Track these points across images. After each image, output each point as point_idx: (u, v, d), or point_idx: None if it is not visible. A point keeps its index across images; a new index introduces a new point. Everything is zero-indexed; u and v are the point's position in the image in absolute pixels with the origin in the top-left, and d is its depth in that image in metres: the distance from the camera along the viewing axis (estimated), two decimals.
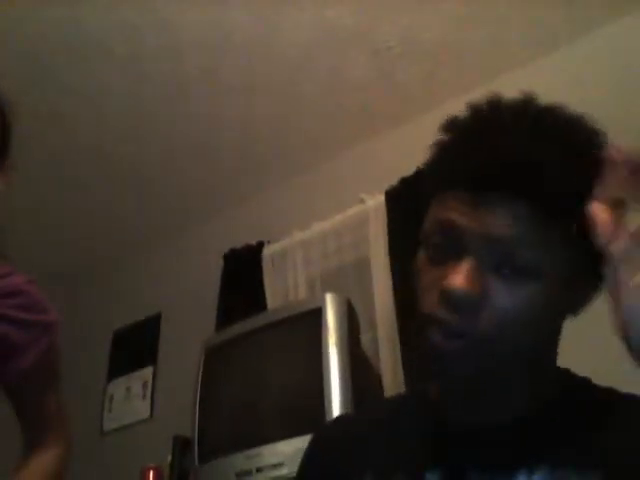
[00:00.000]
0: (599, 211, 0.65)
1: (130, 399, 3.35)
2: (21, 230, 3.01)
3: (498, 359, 0.69)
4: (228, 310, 2.91)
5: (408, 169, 2.47)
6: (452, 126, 0.75)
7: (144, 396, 3.31)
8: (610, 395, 0.76)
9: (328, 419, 1.84)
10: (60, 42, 2.44)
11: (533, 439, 0.72)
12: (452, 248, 0.69)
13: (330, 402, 1.88)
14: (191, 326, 3.10)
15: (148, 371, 3.36)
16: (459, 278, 0.67)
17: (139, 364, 3.40)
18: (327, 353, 1.96)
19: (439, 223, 0.71)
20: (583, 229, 0.66)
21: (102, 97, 2.71)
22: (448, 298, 0.67)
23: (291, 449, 1.88)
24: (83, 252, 3.57)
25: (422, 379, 0.78)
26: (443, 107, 2.66)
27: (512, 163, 0.67)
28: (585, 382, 0.78)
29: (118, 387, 3.40)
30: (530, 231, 0.67)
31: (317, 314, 2.05)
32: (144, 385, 3.34)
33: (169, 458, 2.60)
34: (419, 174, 2.44)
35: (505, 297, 0.67)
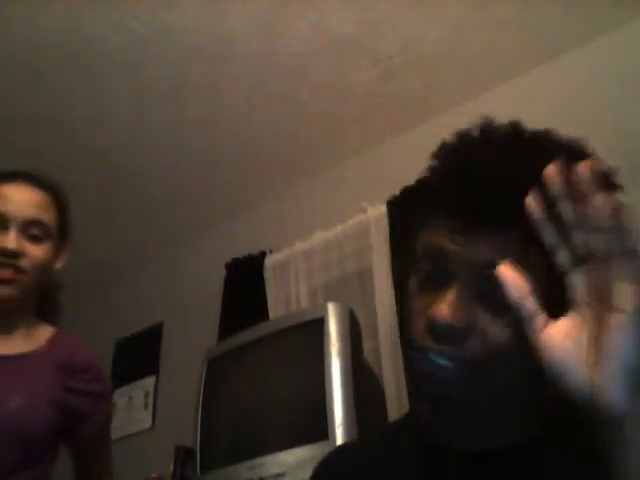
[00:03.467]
0: (506, 271, 0.65)
1: (132, 409, 3.35)
2: None
3: (488, 386, 0.69)
4: (230, 320, 2.91)
5: (409, 178, 2.47)
6: (443, 153, 0.76)
7: (146, 406, 3.30)
8: None
9: (330, 429, 1.83)
10: (62, 49, 2.45)
11: (537, 463, 0.71)
12: (440, 275, 0.70)
13: (332, 412, 1.88)
14: (193, 336, 3.09)
15: (150, 381, 3.36)
16: (444, 308, 0.67)
17: (141, 374, 3.40)
18: (329, 363, 1.96)
19: (429, 249, 0.72)
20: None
21: (103, 105, 2.72)
22: (433, 328, 0.67)
23: (293, 459, 1.88)
24: (85, 262, 3.57)
25: (415, 399, 0.76)
26: (444, 116, 2.67)
27: (500, 193, 0.67)
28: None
29: (120, 397, 3.39)
30: (515, 259, 0.66)
31: (319, 324, 2.04)
32: (146, 395, 3.33)
33: (171, 468, 2.59)
34: (420, 184, 2.44)
35: (491, 325, 0.67)
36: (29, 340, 1.42)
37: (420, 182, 0.78)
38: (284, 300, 2.87)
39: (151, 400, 3.31)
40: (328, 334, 2.00)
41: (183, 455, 2.56)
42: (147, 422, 3.25)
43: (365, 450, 0.88)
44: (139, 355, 3.46)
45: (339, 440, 1.80)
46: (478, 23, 2.37)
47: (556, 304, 0.67)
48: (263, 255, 3.01)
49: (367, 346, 2.35)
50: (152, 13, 2.33)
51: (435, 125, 2.68)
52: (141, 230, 3.47)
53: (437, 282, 0.70)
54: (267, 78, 2.61)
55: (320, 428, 1.85)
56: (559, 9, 2.30)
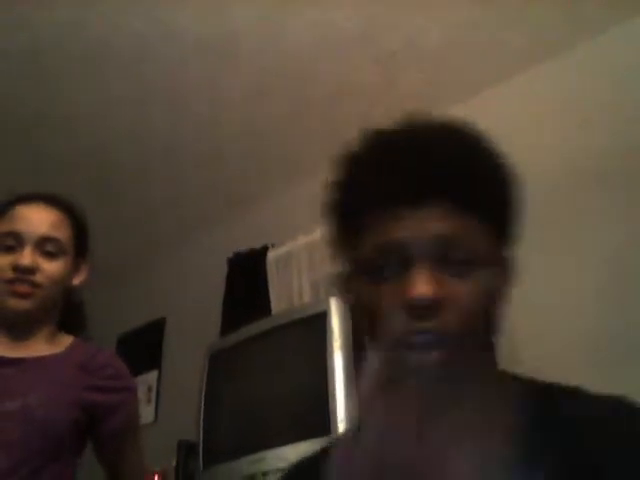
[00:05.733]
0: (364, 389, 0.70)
1: None
2: None
3: (474, 353, 0.71)
4: (232, 314, 2.91)
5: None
6: (372, 146, 0.78)
7: (149, 400, 3.31)
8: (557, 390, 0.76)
9: (333, 423, 1.84)
10: (63, 47, 2.45)
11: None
12: (398, 264, 0.71)
13: (335, 405, 1.88)
14: (195, 330, 3.10)
15: (153, 375, 3.37)
16: (417, 286, 0.68)
17: (144, 369, 3.40)
18: (332, 357, 1.96)
19: (381, 245, 0.72)
20: (503, 226, 0.75)
21: (104, 102, 2.72)
22: (415, 306, 0.68)
23: (296, 454, 1.87)
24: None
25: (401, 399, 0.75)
26: (447, 112, 2.67)
27: (438, 174, 0.71)
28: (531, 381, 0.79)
29: None
30: (464, 227, 0.71)
31: (322, 318, 2.05)
32: (149, 389, 3.34)
33: (174, 463, 2.60)
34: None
35: (463, 290, 0.70)
36: (50, 347, 1.49)
37: (343, 189, 0.79)
38: (287, 294, 2.87)
39: (154, 395, 3.31)
40: (331, 328, 2.01)
41: (186, 449, 2.56)
42: (150, 416, 3.26)
43: (315, 468, 0.87)
44: (142, 350, 3.47)
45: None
46: (481, 20, 2.37)
47: (502, 262, 0.76)
48: (265, 249, 3.01)
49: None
50: (154, 11, 2.32)
51: None
52: (143, 226, 3.47)
53: (396, 272, 0.71)
54: (269, 75, 2.61)
55: (323, 423, 1.85)
56: (562, 6, 2.29)
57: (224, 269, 3.08)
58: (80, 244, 1.59)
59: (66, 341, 1.53)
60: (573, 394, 0.75)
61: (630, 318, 2.03)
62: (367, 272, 0.74)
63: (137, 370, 3.40)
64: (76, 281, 1.58)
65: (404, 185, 0.72)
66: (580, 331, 2.11)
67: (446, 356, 0.69)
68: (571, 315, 2.14)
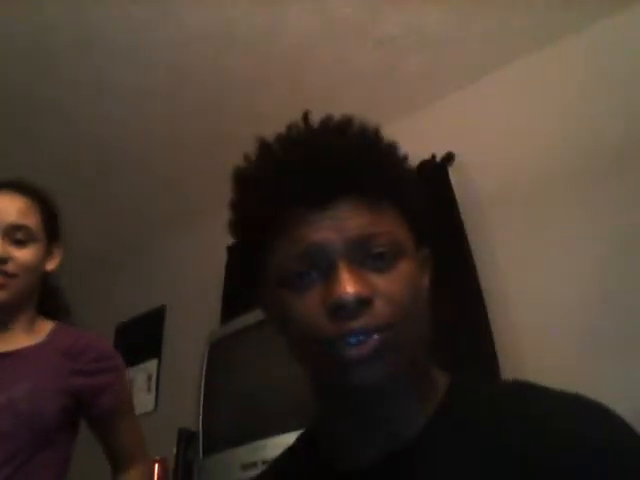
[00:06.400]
0: None
1: (135, 392, 3.35)
2: None
3: (409, 344, 0.70)
4: (232, 303, 2.90)
5: (413, 162, 2.46)
6: (263, 158, 0.77)
7: (149, 389, 3.31)
8: (490, 391, 0.75)
9: None
10: (62, 33, 2.43)
11: (434, 459, 0.70)
12: (317, 268, 0.70)
13: None
14: (195, 319, 3.09)
15: (152, 364, 3.36)
16: (344, 284, 0.67)
17: (143, 357, 3.40)
18: None
19: (299, 253, 0.70)
20: (408, 212, 0.75)
21: (103, 89, 2.70)
22: (343, 306, 0.67)
23: None
24: (85, 245, 3.56)
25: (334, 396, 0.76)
26: (448, 98, 2.65)
27: (337, 171, 0.70)
28: (466, 383, 0.78)
29: None
30: (376, 220, 0.71)
31: None
32: (149, 378, 3.34)
33: (174, 451, 2.60)
34: (423, 165, 2.43)
35: (385, 282, 0.69)
36: (30, 336, 1.49)
37: (247, 203, 0.76)
38: None
39: (154, 383, 3.31)
40: None
41: (186, 438, 2.56)
42: (150, 405, 3.26)
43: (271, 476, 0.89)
44: (142, 338, 3.47)
45: None
46: (481, 4, 2.35)
47: (416, 252, 0.76)
48: None
49: None
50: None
51: (439, 107, 2.66)
52: (142, 214, 3.46)
53: (315, 275, 0.70)
54: (269, 61, 2.59)
55: None
56: None
57: (224, 257, 3.08)
58: (51, 229, 1.56)
59: (46, 327, 1.53)
60: (522, 391, 0.74)
61: (628, 312, 2.03)
62: (286, 283, 0.71)
63: (137, 358, 3.41)
64: (50, 266, 1.56)
65: (308, 185, 0.70)
66: (579, 324, 2.10)
67: (379, 342, 0.67)
68: (569, 309, 2.13)
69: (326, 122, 0.77)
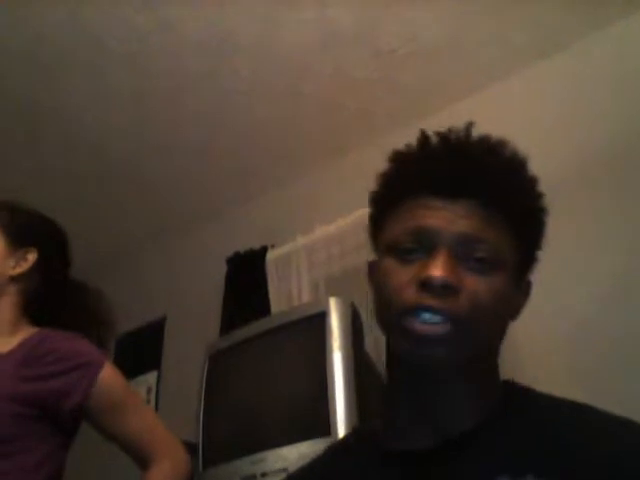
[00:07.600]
0: None
1: None
2: None
3: (475, 344, 0.76)
4: (232, 315, 2.90)
5: None
6: (419, 144, 0.86)
7: (148, 401, 3.29)
8: (551, 400, 0.80)
9: (332, 424, 1.83)
10: (62, 40, 2.44)
11: (487, 451, 0.75)
12: (424, 248, 0.78)
13: (335, 406, 1.87)
14: (195, 331, 3.08)
15: (152, 376, 3.35)
16: (439, 268, 0.74)
17: (143, 369, 3.39)
18: (331, 357, 1.95)
19: (413, 229, 0.79)
20: (525, 235, 0.81)
21: (103, 96, 2.71)
22: (430, 284, 0.74)
23: (296, 454, 1.87)
24: (84, 256, 3.55)
25: (406, 366, 0.81)
26: (447, 109, 2.65)
27: (474, 174, 0.79)
28: (524, 388, 0.84)
29: None
30: (489, 229, 0.78)
31: (321, 318, 2.03)
32: (148, 390, 3.33)
33: None
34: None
35: (476, 283, 0.75)
36: (6, 345, 1.46)
37: (390, 172, 0.87)
38: (286, 295, 2.86)
39: (153, 395, 3.30)
40: (330, 329, 2.00)
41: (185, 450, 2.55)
42: None
43: (315, 472, 0.91)
44: (141, 350, 3.46)
45: (341, 435, 1.80)
46: (481, 15, 2.36)
47: (520, 274, 0.82)
48: (265, 250, 2.99)
49: (369, 340, 2.34)
50: (152, 5, 2.31)
51: (438, 118, 2.66)
52: (141, 224, 3.46)
53: (420, 254, 0.78)
54: (268, 70, 2.60)
55: (322, 423, 1.84)
56: (563, 2, 2.28)
57: (223, 269, 3.07)
58: (17, 233, 1.55)
59: (25, 334, 1.50)
60: (559, 401, 0.79)
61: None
62: (395, 253, 0.80)
63: (137, 371, 3.40)
64: (17, 270, 1.54)
65: (442, 179, 0.79)
66: (591, 329, 2.10)
67: (448, 332, 0.73)
68: (583, 313, 2.13)
69: (484, 138, 0.84)
